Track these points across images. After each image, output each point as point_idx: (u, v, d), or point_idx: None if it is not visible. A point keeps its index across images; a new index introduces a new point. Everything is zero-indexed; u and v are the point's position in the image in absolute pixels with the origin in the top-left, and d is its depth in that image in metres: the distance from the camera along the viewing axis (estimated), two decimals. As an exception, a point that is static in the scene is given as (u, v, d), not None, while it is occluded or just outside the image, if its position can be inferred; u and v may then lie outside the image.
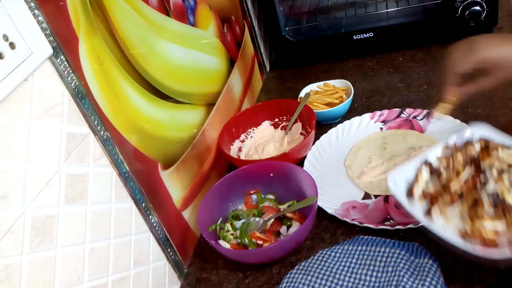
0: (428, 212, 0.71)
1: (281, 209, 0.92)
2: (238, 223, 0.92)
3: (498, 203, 0.67)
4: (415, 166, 0.78)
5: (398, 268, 0.73)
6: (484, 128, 0.80)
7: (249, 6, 1.38)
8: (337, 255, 0.80)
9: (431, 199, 0.72)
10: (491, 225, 0.65)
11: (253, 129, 1.18)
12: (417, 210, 0.71)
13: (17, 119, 0.56)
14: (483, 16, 1.21)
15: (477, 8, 1.20)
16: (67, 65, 0.64)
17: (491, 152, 0.75)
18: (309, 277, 0.77)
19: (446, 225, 0.69)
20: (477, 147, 0.77)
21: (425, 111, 1.06)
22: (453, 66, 0.69)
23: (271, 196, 0.97)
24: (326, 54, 1.41)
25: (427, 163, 0.78)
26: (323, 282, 0.76)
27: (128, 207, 0.76)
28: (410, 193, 0.74)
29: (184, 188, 0.93)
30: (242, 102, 1.27)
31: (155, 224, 0.81)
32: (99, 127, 0.69)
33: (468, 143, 0.79)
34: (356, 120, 1.11)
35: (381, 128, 1.08)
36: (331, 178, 0.99)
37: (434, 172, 0.76)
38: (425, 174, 0.76)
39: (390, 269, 0.74)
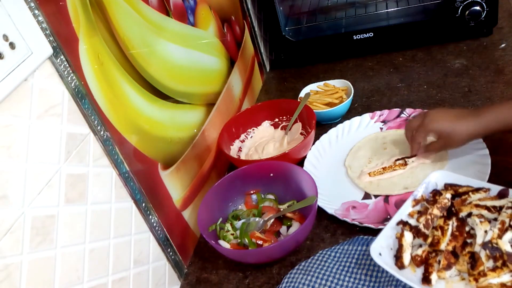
0: (427, 280, 0.67)
1: (281, 209, 0.92)
2: (238, 223, 0.92)
3: (496, 253, 0.65)
4: (393, 230, 0.75)
5: (398, 268, 0.73)
6: (444, 174, 0.80)
7: (249, 6, 1.38)
8: (337, 255, 0.80)
9: (425, 264, 0.69)
10: (497, 280, 0.64)
11: (253, 129, 1.18)
12: (413, 279, 0.68)
13: (17, 119, 0.56)
14: (483, 16, 1.21)
15: (477, 8, 1.20)
16: (67, 65, 0.64)
17: (466, 200, 0.74)
18: (309, 277, 0.77)
19: None
20: (447, 196, 0.75)
21: (425, 111, 1.06)
22: (413, 136, 0.91)
23: (271, 196, 0.97)
24: (326, 54, 1.41)
25: (405, 224, 0.74)
26: (323, 282, 0.76)
27: (128, 207, 0.76)
28: (399, 262, 0.70)
29: (184, 188, 0.93)
30: (242, 102, 1.27)
31: (155, 224, 0.81)
32: (99, 127, 0.69)
33: (436, 192, 0.78)
34: (356, 120, 1.11)
35: (381, 128, 1.08)
36: (331, 178, 0.99)
37: (417, 232, 0.73)
38: (408, 237, 0.73)
39: (390, 269, 0.74)
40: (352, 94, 1.15)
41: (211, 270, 0.89)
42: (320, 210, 0.89)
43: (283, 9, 1.43)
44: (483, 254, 0.66)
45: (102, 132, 0.69)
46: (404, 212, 0.77)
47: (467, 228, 0.71)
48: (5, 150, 0.54)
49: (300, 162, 1.02)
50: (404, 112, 1.09)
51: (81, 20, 0.68)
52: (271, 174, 0.96)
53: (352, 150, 1.05)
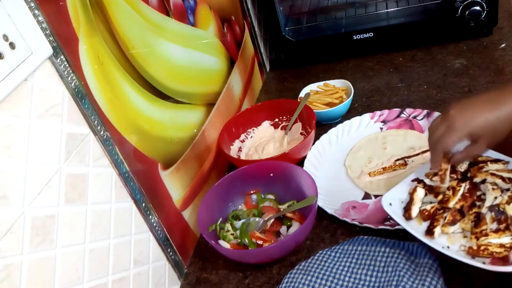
0: (430, 232, 0.70)
1: (281, 209, 0.92)
2: (238, 223, 0.92)
3: (501, 216, 0.67)
4: (407, 186, 0.78)
5: (398, 268, 0.73)
6: (466, 143, 0.79)
7: (249, 6, 1.38)
8: (337, 255, 0.80)
9: (431, 219, 0.72)
10: (497, 241, 0.66)
11: (253, 129, 1.18)
12: (417, 230, 0.71)
13: (17, 119, 0.56)
14: (483, 16, 1.21)
15: (477, 8, 1.20)
16: (67, 65, 0.64)
17: (483, 167, 0.76)
18: (309, 277, 0.77)
19: (450, 244, 0.69)
20: (465, 162, 0.78)
21: (425, 111, 1.06)
22: (441, 148, 0.71)
23: (271, 196, 0.97)
24: (326, 54, 1.41)
25: (419, 181, 0.78)
26: (323, 282, 0.76)
27: (128, 207, 0.76)
28: (407, 213, 0.74)
29: (184, 188, 0.93)
30: (242, 102, 1.27)
31: (155, 224, 0.81)
32: (99, 127, 0.69)
33: None
34: (356, 120, 1.11)
35: (381, 128, 1.08)
36: (331, 178, 0.99)
37: (429, 190, 0.76)
38: (420, 193, 0.76)
39: (390, 269, 0.74)
40: (352, 94, 1.15)
41: (211, 270, 0.89)
42: (320, 210, 0.89)
43: (283, 9, 1.43)
44: (488, 216, 0.69)
45: (102, 132, 0.69)
46: (422, 172, 0.80)
47: (478, 193, 0.73)
48: (5, 150, 0.54)
49: (300, 162, 1.02)
50: (404, 112, 1.09)
51: (81, 20, 0.68)
52: (271, 174, 0.96)
53: (352, 150, 1.05)
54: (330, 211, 0.89)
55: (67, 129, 0.64)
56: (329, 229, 0.89)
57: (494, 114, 0.65)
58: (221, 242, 0.89)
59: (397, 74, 1.28)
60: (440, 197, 0.75)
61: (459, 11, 1.23)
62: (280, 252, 0.83)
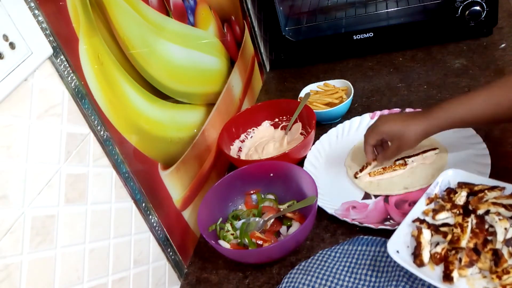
0: (448, 278, 0.66)
1: (281, 209, 0.92)
2: (238, 223, 0.92)
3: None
4: (409, 227, 0.74)
5: (398, 268, 0.73)
6: (457, 173, 0.80)
7: (249, 6, 1.38)
8: (337, 255, 0.80)
9: (445, 262, 0.68)
10: None
11: (253, 129, 1.18)
12: (432, 277, 0.67)
13: (17, 119, 0.56)
14: (483, 16, 1.21)
15: (477, 8, 1.20)
16: (67, 65, 0.64)
17: (483, 198, 0.74)
18: (309, 277, 0.77)
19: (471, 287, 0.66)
20: (463, 194, 0.76)
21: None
22: (367, 140, 0.91)
23: (271, 196, 0.97)
24: (326, 54, 1.41)
25: (421, 221, 0.74)
26: (323, 282, 0.76)
27: (128, 207, 0.76)
28: (418, 260, 0.69)
29: (184, 188, 0.93)
30: (242, 102, 1.27)
31: (155, 224, 0.81)
32: (99, 127, 0.69)
33: (450, 191, 0.78)
34: (356, 120, 1.11)
35: (381, 128, 1.08)
36: (331, 178, 0.99)
37: (435, 230, 0.72)
38: (426, 235, 0.72)
39: (390, 269, 0.74)
40: (352, 94, 1.15)
41: (211, 270, 0.89)
42: (320, 210, 0.89)
43: (283, 9, 1.43)
44: (505, 251, 0.66)
45: (102, 132, 0.69)
46: (419, 210, 0.77)
47: (486, 226, 0.70)
48: (5, 150, 0.54)
49: (300, 162, 1.02)
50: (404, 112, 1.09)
51: (81, 20, 0.68)
52: (271, 174, 0.96)
53: (352, 150, 1.05)
54: (330, 211, 0.89)
55: (67, 129, 0.64)
56: (329, 229, 0.89)
57: (405, 126, 0.84)
58: (221, 242, 0.89)
59: (397, 74, 1.28)
60: (449, 236, 0.71)
61: (459, 11, 1.23)
62: (280, 252, 0.83)
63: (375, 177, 0.95)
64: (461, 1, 1.21)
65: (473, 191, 0.76)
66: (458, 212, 0.74)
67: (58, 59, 0.63)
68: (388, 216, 0.86)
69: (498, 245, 0.67)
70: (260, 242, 0.87)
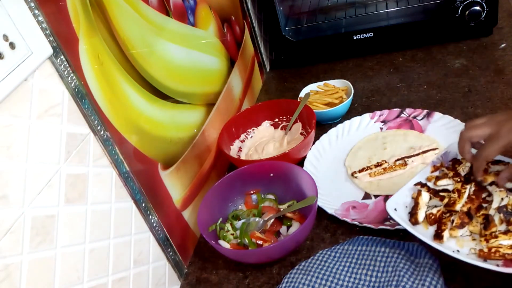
0: (438, 236, 0.69)
1: (281, 209, 0.92)
2: (238, 223, 0.92)
3: (510, 218, 0.67)
4: (410, 190, 0.78)
5: (398, 268, 0.73)
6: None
7: (249, 6, 1.38)
8: (337, 255, 0.80)
9: (438, 223, 0.71)
10: (507, 242, 0.65)
11: (253, 129, 1.18)
12: (425, 235, 0.70)
13: (17, 119, 0.56)
14: (483, 16, 1.21)
15: (477, 8, 1.20)
16: (67, 65, 0.64)
17: (486, 170, 0.75)
18: (309, 277, 0.77)
19: (460, 248, 0.68)
20: (467, 165, 0.77)
21: (425, 111, 1.06)
22: (483, 155, 0.68)
23: (271, 196, 0.97)
24: (326, 54, 1.41)
25: (423, 185, 0.77)
26: (323, 282, 0.76)
27: (128, 207, 0.76)
28: (413, 218, 0.73)
29: (184, 188, 0.93)
30: (242, 102, 1.27)
31: (155, 224, 0.81)
32: (99, 127, 0.69)
33: (456, 161, 0.80)
34: (356, 120, 1.11)
35: (381, 128, 1.08)
36: (331, 178, 0.99)
37: (434, 193, 0.76)
38: (425, 196, 0.75)
39: (390, 269, 0.74)
40: (352, 94, 1.15)
41: (211, 270, 0.89)
42: (320, 210, 0.89)
43: (283, 9, 1.43)
44: (497, 217, 0.68)
45: (102, 132, 0.69)
46: (423, 175, 0.80)
47: (483, 195, 0.73)
48: (5, 150, 0.54)
49: (300, 162, 1.02)
50: (404, 112, 1.09)
51: (81, 20, 0.68)
52: (271, 174, 0.96)
53: (352, 150, 1.05)
54: (330, 211, 0.89)
55: (67, 129, 0.64)
56: (329, 229, 0.89)
57: None
58: (221, 242, 0.89)
59: (397, 74, 1.28)
60: (446, 200, 0.74)
61: (459, 11, 1.23)
62: (280, 252, 0.83)
63: (375, 177, 0.95)
64: (461, 1, 1.21)
65: None
66: (459, 179, 0.76)
67: (58, 59, 0.63)
68: (388, 216, 0.86)
69: (491, 212, 0.70)
70: (260, 242, 0.87)
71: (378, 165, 0.97)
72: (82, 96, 0.66)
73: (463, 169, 0.78)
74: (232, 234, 0.91)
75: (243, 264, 0.87)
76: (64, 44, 0.64)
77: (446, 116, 1.02)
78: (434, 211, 0.73)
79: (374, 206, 0.89)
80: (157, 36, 0.88)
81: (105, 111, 0.71)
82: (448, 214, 0.72)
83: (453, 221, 0.71)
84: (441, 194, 0.76)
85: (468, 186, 0.74)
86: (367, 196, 0.92)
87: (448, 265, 0.74)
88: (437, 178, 0.78)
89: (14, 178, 0.55)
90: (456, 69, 1.21)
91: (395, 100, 1.18)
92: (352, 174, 0.97)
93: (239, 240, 0.89)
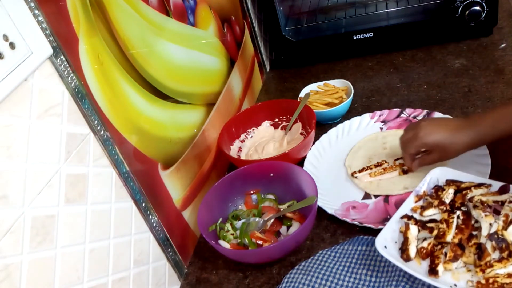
0: (433, 272, 0.68)
1: (281, 209, 0.92)
2: (238, 223, 0.92)
3: (502, 244, 0.66)
4: (397, 224, 0.76)
5: (398, 268, 0.73)
6: (445, 171, 0.82)
7: (249, 6, 1.38)
8: (337, 255, 0.80)
9: (431, 256, 0.70)
10: (504, 270, 0.64)
11: (253, 129, 1.18)
12: (419, 271, 0.68)
13: (17, 119, 0.56)
14: (483, 16, 1.21)
15: (477, 8, 1.20)
16: (67, 65, 0.64)
17: (467, 194, 0.75)
18: (309, 277, 0.77)
19: (456, 281, 0.67)
20: (450, 191, 0.77)
21: (425, 111, 1.06)
22: (406, 149, 0.88)
23: (271, 196, 0.97)
24: (326, 54, 1.41)
25: (409, 218, 0.76)
26: (323, 282, 0.76)
27: (128, 207, 0.76)
28: (405, 254, 0.71)
29: (184, 188, 0.93)
30: (242, 102, 1.27)
31: (155, 224, 0.81)
32: (99, 127, 0.69)
33: (438, 188, 0.80)
34: (356, 120, 1.11)
35: (381, 128, 1.08)
36: (331, 178, 0.99)
37: (422, 226, 0.74)
38: (413, 230, 0.74)
39: (390, 269, 0.74)
40: (352, 94, 1.15)
41: (211, 270, 0.89)
42: (320, 210, 0.89)
43: (283, 9, 1.43)
44: (489, 245, 0.67)
45: (102, 132, 0.69)
46: (407, 207, 0.79)
47: (472, 222, 0.72)
48: (5, 150, 0.54)
49: (300, 162, 1.02)
50: (404, 112, 1.09)
51: (81, 20, 0.68)
52: (271, 174, 0.96)
53: (352, 150, 1.05)
54: (330, 211, 0.89)
55: (67, 129, 0.64)
56: (329, 229, 0.89)
57: (451, 137, 0.79)
58: (221, 242, 0.89)
59: (397, 74, 1.28)
60: (435, 232, 0.72)
61: (459, 11, 1.23)
62: (280, 252, 0.83)
63: (375, 177, 0.95)
64: (461, 1, 1.21)
65: (460, 188, 0.78)
66: (444, 208, 0.75)
67: (58, 59, 0.63)
68: (388, 216, 0.86)
69: (482, 240, 0.69)
70: (260, 242, 0.87)
71: (378, 165, 0.97)
72: (82, 96, 0.66)
73: (446, 196, 0.77)
74: (232, 234, 0.91)
75: (243, 264, 0.87)
76: (64, 44, 0.64)
77: (446, 116, 1.02)
78: (425, 244, 0.72)
79: (374, 206, 0.89)
80: (157, 36, 0.88)
81: (105, 111, 0.71)
82: (439, 247, 0.71)
83: (445, 253, 0.69)
84: (429, 225, 0.74)
85: (455, 216, 0.73)
86: (367, 196, 0.92)
87: (448, 265, 0.74)
88: (422, 208, 0.77)
89: (14, 178, 0.55)
90: (456, 69, 1.21)
91: (395, 100, 1.18)
92: (352, 174, 0.97)
93: (239, 240, 0.89)
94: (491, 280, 0.64)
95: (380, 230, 0.82)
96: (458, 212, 0.73)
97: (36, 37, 0.59)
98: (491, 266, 0.65)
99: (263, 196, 0.97)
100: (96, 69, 0.70)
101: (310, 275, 0.77)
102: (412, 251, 0.72)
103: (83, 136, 0.66)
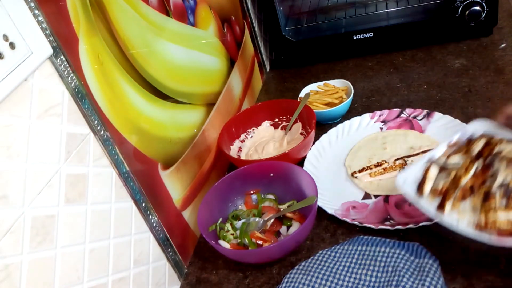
0: (440, 207, 0.72)
1: (281, 209, 0.92)
2: (238, 223, 0.92)
3: (510, 194, 0.69)
4: (422, 166, 0.80)
5: (398, 268, 0.73)
6: (485, 124, 0.82)
7: (249, 6, 1.38)
8: (337, 255, 0.80)
9: (443, 195, 0.74)
10: (504, 216, 0.67)
11: (253, 129, 1.18)
12: (428, 205, 0.73)
13: (17, 119, 0.56)
14: (483, 16, 1.21)
15: (477, 8, 1.20)
16: (67, 65, 0.64)
17: (495, 147, 0.77)
18: (309, 277, 0.77)
19: (460, 219, 0.70)
20: (480, 143, 0.79)
21: (425, 111, 1.06)
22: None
23: (271, 196, 0.97)
24: (326, 54, 1.41)
25: (434, 161, 0.79)
26: (323, 282, 0.76)
27: (128, 207, 0.76)
28: (420, 191, 0.76)
29: (184, 188, 0.93)
30: (242, 102, 1.27)
31: (155, 224, 0.82)
32: (99, 127, 0.69)
33: (470, 140, 0.81)
34: (356, 120, 1.11)
35: (381, 128, 1.08)
36: (331, 178, 0.99)
37: (443, 169, 0.78)
38: (433, 171, 0.78)
39: (390, 269, 0.74)
40: (352, 94, 1.15)
41: (211, 270, 0.89)
42: (320, 210, 0.89)
43: (283, 9, 1.43)
44: (498, 193, 0.70)
45: (102, 132, 0.69)
46: (436, 153, 0.82)
47: (490, 173, 0.74)
48: (5, 150, 0.54)
49: (300, 162, 1.02)
50: (404, 112, 1.09)
51: (81, 20, 0.68)
52: (271, 174, 0.96)
53: (352, 150, 1.05)
54: (330, 211, 0.89)
55: (67, 129, 0.64)
56: (329, 229, 0.89)
57: None
58: (221, 242, 0.89)
59: (397, 74, 1.28)
60: (453, 175, 0.76)
61: (459, 11, 1.23)
62: (280, 252, 0.83)
63: (375, 177, 0.95)
64: (461, 1, 1.21)
65: (491, 141, 0.79)
66: (469, 157, 0.78)
67: (58, 59, 0.63)
68: (388, 216, 0.86)
69: (494, 189, 0.71)
70: (260, 242, 0.87)
71: (378, 165, 0.97)
72: (82, 96, 0.66)
73: (475, 147, 0.79)
74: (232, 234, 0.91)
75: (243, 264, 0.87)
76: (64, 44, 0.64)
77: (446, 116, 1.02)
78: (440, 185, 0.75)
79: (374, 206, 0.90)
80: (157, 36, 0.88)
81: (105, 111, 0.71)
82: (453, 189, 0.74)
83: (456, 194, 0.73)
84: (450, 169, 0.77)
85: (475, 164, 0.76)
86: (367, 196, 0.92)
87: (448, 265, 0.74)
88: (449, 156, 0.80)
89: (14, 178, 0.55)
90: (456, 69, 1.21)
91: (395, 100, 1.18)
92: (352, 174, 0.97)
93: (239, 240, 0.89)
94: (490, 223, 0.67)
95: (380, 230, 0.83)
96: (479, 161, 0.76)
97: (36, 37, 0.59)
98: (495, 211, 0.68)
99: (263, 196, 0.97)
100: (96, 69, 0.70)
101: (310, 275, 0.77)
102: (427, 189, 0.75)
103: (83, 136, 0.66)
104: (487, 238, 0.66)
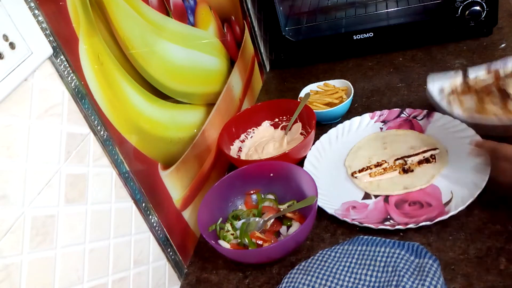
0: (482, 110, 0.88)
1: (281, 209, 0.92)
2: (238, 223, 0.92)
3: (506, 96, 0.83)
4: (453, 75, 0.95)
5: (398, 268, 0.73)
6: None
7: (249, 6, 1.38)
8: (337, 255, 0.80)
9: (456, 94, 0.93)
10: (492, 108, 0.86)
11: (253, 129, 1.18)
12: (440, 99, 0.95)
13: (17, 119, 0.56)
14: (483, 16, 1.21)
15: (477, 8, 1.20)
16: (67, 65, 0.64)
17: None
18: (309, 277, 0.77)
19: (461, 108, 0.93)
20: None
21: (425, 111, 1.06)
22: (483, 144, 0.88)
23: (271, 196, 0.97)
24: (326, 54, 1.41)
25: (464, 73, 0.94)
26: (323, 282, 0.76)
27: (128, 207, 0.76)
28: (441, 90, 0.96)
29: (184, 188, 0.93)
30: (242, 102, 1.27)
31: (155, 224, 0.82)
32: (99, 127, 0.69)
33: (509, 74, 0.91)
34: (356, 120, 1.11)
35: (381, 128, 1.08)
36: (331, 178, 0.99)
37: (467, 80, 0.93)
38: (458, 79, 0.94)
39: (390, 269, 0.74)
40: (352, 94, 1.15)
41: (211, 270, 0.89)
42: (320, 210, 0.89)
43: (283, 9, 1.43)
44: (496, 93, 0.87)
45: (102, 132, 0.69)
46: (474, 71, 0.94)
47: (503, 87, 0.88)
48: (5, 150, 0.54)
49: (300, 162, 1.02)
50: (404, 112, 1.09)
51: (81, 20, 0.68)
52: (271, 174, 0.96)
53: (352, 150, 1.05)
54: (330, 211, 0.89)
55: (67, 129, 0.64)
56: (329, 229, 0.89)
57: None
58: (221, 242, 0.89)
59: (397, 74, 1.28)
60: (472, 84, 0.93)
61: (459, 11, 1.23)
62: (280, 252, 0.83)
63: (375, 177, 0.95)
64: (461, 1, 1.21)
65: None
66: (496, 81, 0.90)
67: (58, 59, 0.63)
68: (388, 216, 0.86)
69: (495, 91, 0.88)
70: (260, 242, 0.87)
71: (378, 165, 0.97)
72: (82, 96, 0.66)
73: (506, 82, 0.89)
74: (232, 234, 0.91)
75: (243, 264, 0.87)
76: (64, 44, 0.64)
77: (446, 116, 1.02)
78: (458, 88, 0.93)
79: (374, 206, 0.89)
80: (157, 36, 0.88)
81: (105, 111, 0.71)
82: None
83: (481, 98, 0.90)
84: (473, 87, 0.93)
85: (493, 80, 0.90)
86: (367, 196, 0.92)
87: (448, 265, 0.74)
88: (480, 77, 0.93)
89: (14, 178, 0.55)
90: (456, 69, 1.21)
91: (395, 100, 1.18)
92: (352, 174, 0.97)
93: (239, 240, 0.89)
94: (480, 110, 0.88)
95: (380, 230, 0.83)
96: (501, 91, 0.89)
97: (36, 37, 0.59)
98: (487, 102, 0.87)
99: (263, 196, 0.97)
100: (96, 69, 0.70)
101: (310, 275, 0.77)
102: (447, 89, 0.95)
103: (83, 136, 0.66)
104: (471, 117, 0.87)
